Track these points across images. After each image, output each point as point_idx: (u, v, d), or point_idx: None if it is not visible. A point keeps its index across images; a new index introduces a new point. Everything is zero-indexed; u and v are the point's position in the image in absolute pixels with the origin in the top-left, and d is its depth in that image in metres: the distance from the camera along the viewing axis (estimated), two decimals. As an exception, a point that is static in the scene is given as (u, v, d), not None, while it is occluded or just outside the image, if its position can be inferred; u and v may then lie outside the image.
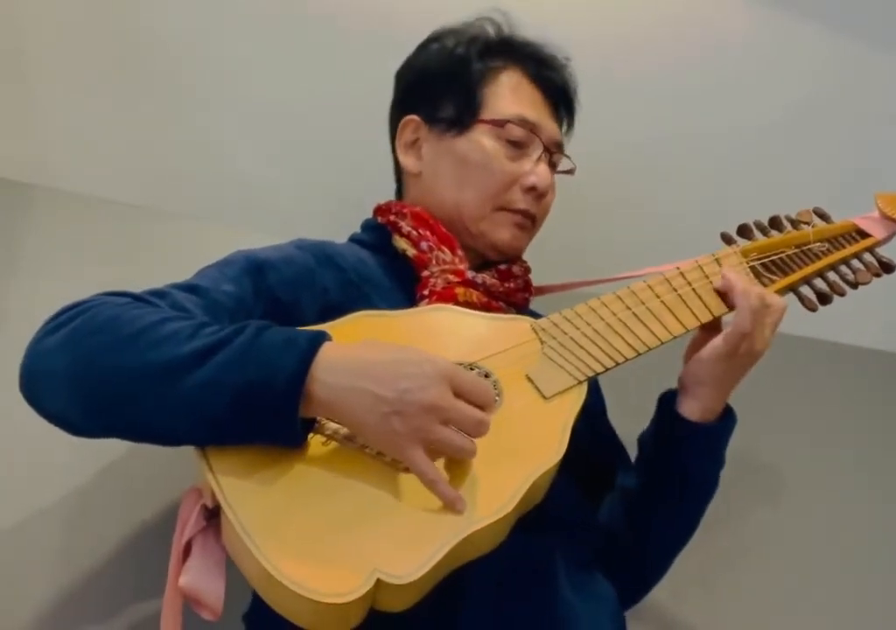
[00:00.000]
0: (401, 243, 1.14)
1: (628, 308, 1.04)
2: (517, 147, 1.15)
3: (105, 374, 0.82)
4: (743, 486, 1.43)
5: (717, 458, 1.08)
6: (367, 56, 1.50)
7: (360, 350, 0.84)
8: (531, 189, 1.15)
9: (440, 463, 0.85)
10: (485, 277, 1.12)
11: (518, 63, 1.18)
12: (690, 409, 1.05)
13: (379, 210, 1.20)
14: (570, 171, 1.25)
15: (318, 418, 0.86)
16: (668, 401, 1.08)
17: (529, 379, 0.95)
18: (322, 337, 0.84)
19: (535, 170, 1.15)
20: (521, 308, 1.17)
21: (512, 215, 1.15)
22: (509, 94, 1.16)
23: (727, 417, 1.08)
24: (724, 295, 1.07)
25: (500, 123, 1.14)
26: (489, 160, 1.13)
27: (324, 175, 1.55)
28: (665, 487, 1.07)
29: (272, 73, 1.52)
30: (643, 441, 1.11)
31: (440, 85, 1.18)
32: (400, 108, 1.23)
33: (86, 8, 1.45)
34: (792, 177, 1.68)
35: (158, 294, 0.93)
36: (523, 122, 1.14)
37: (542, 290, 1.24)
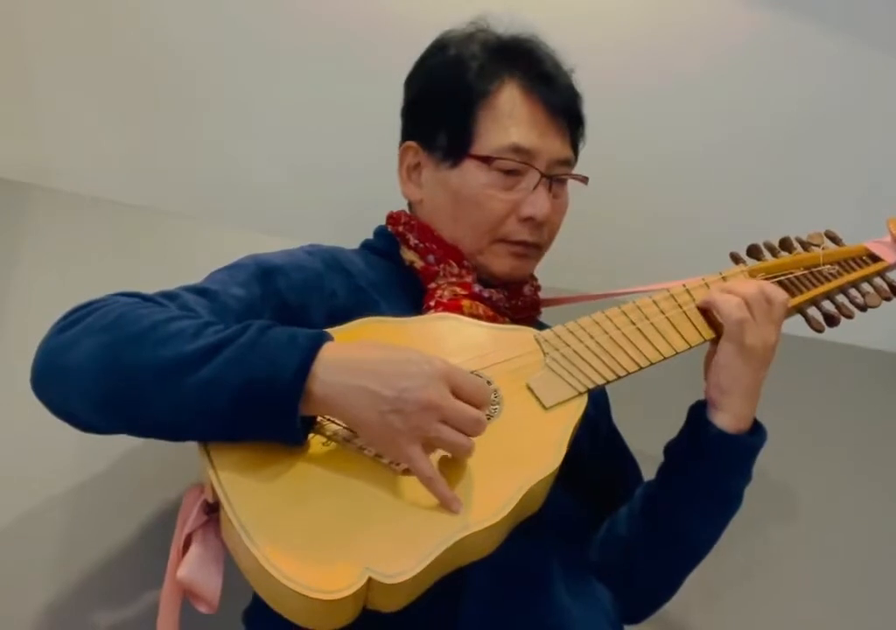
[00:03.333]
0: (408, 255, 1.20)
1: (632, 323, 1.09)
2: (513, 175, 1.16)
3: (113, 369, 0.88)
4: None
5: (746, 472, 1.11)
6: (371, 58, 1.56)
7: (361, 350, 0.90)
8: (528, 219, 1.17)
9: (438, 467, 0.89)
10: (492, 292, 1.17)
11: (518, 78, 1.18)
12: (722, 421, 1.08)
13: (390, 218, 1.25)
14: (583, 180, 1.24)
15: (319, 419, 0.92)
16: (699, 412, 1.11)
17: (530, 389, 1.00)
18: (323, 336, 0.90)
19: (531, 199, 1.16)
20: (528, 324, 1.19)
21: (510, 246, 1.18)
22: (504, 120, 1.16)
23: (758, 431, 1.11)
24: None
25: (488, 160, 1.15)
26: (481, 196, 1.16)
27: (325, 177, 1.60)
28: (694, 500, 1.10)
29: (274, 73, 1.58)
30: (671, 451, 1.13)
31: (436, 110, 1.20)
32: (403, 127, 1.26)
33: (86, 9, 1.51)
34: (794, 179, 1.75)
35: (169, 296, 0.99)
36: (516, 152, 1.15)
37: (547, 303, 1.29)
